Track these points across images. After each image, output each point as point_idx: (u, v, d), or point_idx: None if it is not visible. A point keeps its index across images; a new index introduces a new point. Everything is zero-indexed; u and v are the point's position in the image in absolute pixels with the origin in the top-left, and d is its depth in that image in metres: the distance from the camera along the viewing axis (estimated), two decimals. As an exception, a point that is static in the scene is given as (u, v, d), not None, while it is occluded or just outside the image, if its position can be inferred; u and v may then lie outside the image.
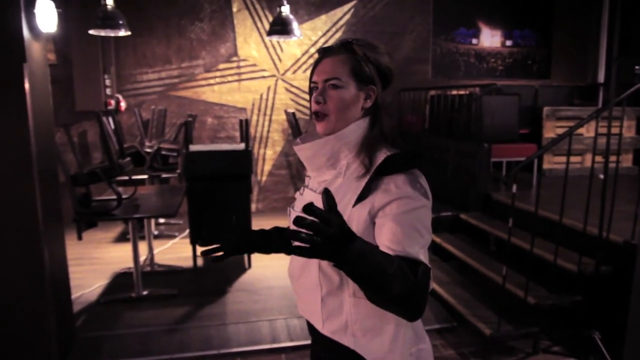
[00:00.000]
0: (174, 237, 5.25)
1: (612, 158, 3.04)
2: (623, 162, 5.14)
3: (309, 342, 3.02)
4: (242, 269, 4.30)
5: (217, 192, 4.06)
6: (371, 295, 0.97)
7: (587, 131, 5.16)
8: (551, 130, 5.35)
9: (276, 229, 1.37)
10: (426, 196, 1.08)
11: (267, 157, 6.53)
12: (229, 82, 6.22)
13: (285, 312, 3.42)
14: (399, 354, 1.13)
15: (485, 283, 3.38)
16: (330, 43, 5.83)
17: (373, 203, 1.06)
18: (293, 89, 6.47)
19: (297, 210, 1.22)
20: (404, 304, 0.95)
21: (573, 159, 4.55)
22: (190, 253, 4.28)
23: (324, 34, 6.45)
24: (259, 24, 6.20)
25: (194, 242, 4.17)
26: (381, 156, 1.09)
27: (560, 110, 5.39)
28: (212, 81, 6.17)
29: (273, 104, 6.44)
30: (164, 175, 5.33)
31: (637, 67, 5.87)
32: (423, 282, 0.97)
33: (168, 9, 5.92)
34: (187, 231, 5.31)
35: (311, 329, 1.26)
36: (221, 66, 6.17)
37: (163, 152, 5.04)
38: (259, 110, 6.40)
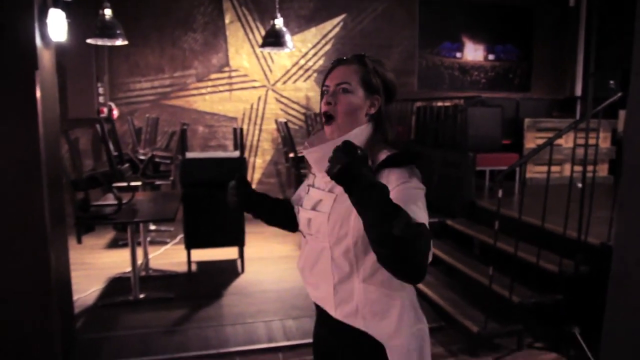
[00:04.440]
0: (165, 243, 5.32)
1: (590, 168, 3.24)
2: (599, 172, 5.38)
3: (304, 341, 3.17)
4: (235, 273, 4.41)
5: (212, 199, 4.16)
6: (373, 231, 1.00)
7: (566, 142, 5.38)
8: (532, 141, 5.57)
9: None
10: (422, 184, 1.20)
11: (257, 166, 6.65)
12: (220, 91, 6.35)
13: (281, 313, 3.53)
14: (405, 333, 1.26)
15: (471, 285, 3.55)
16: (319, 55, 6.03)
17: None
18: (283, 99, 6.62)
19: (306, 208, 1.34)
20: (402, 250, 0.96)
21: (552, 168, 4.75)
22: (183, 258, 4.36)
23: (314, 46, 6.63)
24: (251, 36, 6.36)
25: (188, 247, 4.26)
26: (383, 155, 1.23)
27: (541, 122, 5.62)
28: (203, 91, 6.29)
29: (263, 113, 6.58)
30: (157, 182, 5.41)
31: (611, 81, 6.16)
32: (425, 236, 0.99)
33: (163, 20, 6.05)
34: (179, 237, 5.40)
35: (322, 314, 1.36)
36: (213, 76, 6.30)
37: (156, 160, 5.13)
38: (250, 119, 6.54)
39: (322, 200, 1.30)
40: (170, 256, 4.88)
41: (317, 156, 1.30)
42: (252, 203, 1.51)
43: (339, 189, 1.24)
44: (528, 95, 7.27)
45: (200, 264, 4.61)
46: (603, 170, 5.63)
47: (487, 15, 7.33)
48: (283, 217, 1.51)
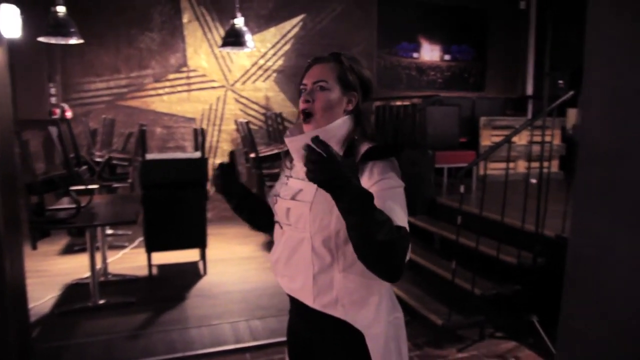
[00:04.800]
0: (124, 247, 5.19)
1: (544, 164, 3.38)
2: (551, 168, 5.60)
3: (272, 340, 3.16)
4: (198, 275, 4.35)
5: (174, 200, 4.10)
6: (357, 236, 1.07)
7: (519, 139, 5.58)
8: (487, 139, 5.75)
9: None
10: (402, 180, 1.24)
11: (216, 167, 6.56)
12: (178, 92, 6.24)
13: (246, 314, 3.51)
14: (383, 321, 1.29)
15: (435, 279, 3.63)
16: (279, 55, 6.03)
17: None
18: (242, 100, 6.57)
19: (285, 198, 1.34)
20: (384, 254, 1.04)
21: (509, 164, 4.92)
22: (143, 262, 4.28)
23: (273, 46, 6.61)
24: (209, 35, 6.28)
25: (149, 250, 4.17)
26: (364, 147, 1.25)
27: (495, 120, 5.80)
28: (161, 91, 6.17)
29: (222, 114, 6.51)
30: (115, 185, 5.27)
31: (560, 81, 6.43)
32: (405, 240, 1.08)
33: (117, 18, 5.89)
34: (138, 241, 5.28)
35: (298, 306, 1.35)
36: (171, 76, 6.19)
37: (114, 162, 5.00)
38: (209, 120, 6.46)
39: (302, 190, 1.30)
40: (130, 260, 4.77)
41: (299, 145, 1.29)
42: (236, 194, 1.49)
43: None
44: (483, 95, 7.49)
45: (161, 267, 4.53)
46: (554, 166, 5.86)
47: (443, 16, 7.50)
48: (264, 216, 1.50)
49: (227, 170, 1.47)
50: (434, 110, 5.24)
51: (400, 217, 1.13)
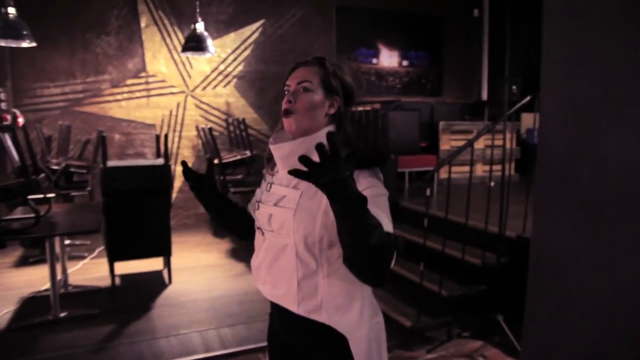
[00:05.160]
0: (83, 257, 5.03)
1: (500, 167, 3.51)
2: (510, 170, 5.81)
3: (242, 348, 3.14)
4: (162, 284, 4.26)
5: (137, 208, 4.01)
6: (350, 242, 1.08)
7: (477, 143, 5.75)
8: (447, 143, 5.90)
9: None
10: (384, 189, 1.26)
11: (177, 174, 6.46)
12: (137, 97, 6.11)
13: (215, 322, 3.47)
14: (366, 325, 1.31)
15: (403, 283, 3.69)
16: (239, 60, 6.00)
17: None
18: (203, 105, 6.50)
19: (267, 204, 1.34)
20: (374, 258, 1.06)
21: (465, 168, 5.07)
22: (104, 272, 4.16)
23: (233, 51, 6.57)
24: (168, 40, 6.18)
25: (112, 260, 4.06)
26: None
27: (454, 125, 5.97)
28: (119, 97, 6.02)
29: (183, 120, 6.42)
30: (73, 194, 5.10)
31: (513, 87, 6.69)
32: (393, 245, 1.10)
33: (72, 21, 5.71)
34: (98, 250, 5.13)
35: (281, 313, 1.35)
36: (129, 82, 6.05)
37: (71, 170, 4.85)
38: (169, 126, 6.35)
39: (286, 196, 1.31)
40: (90, 271, 4.62)
41: (284, 152, 1.32)
42: (213, 201, 1.51)
43: (304, 185, 1.26)
44: (440, 100, 7.68)
45: (124, 277, 4.41)
46: (510, 168, 6.08)
47: (401, 23, 7.66)
48: (241, 219, 1.50)
49: (189, 170, 1.46)
50: (395, 116, 5.35)
51: (387, 224, 1.15)
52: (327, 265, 1.27)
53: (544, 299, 2.40)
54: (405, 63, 7.76)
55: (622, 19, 1.83)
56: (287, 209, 1.28)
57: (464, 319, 3.34)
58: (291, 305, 1.30)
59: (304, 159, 1.00)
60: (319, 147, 1.00)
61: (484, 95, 7.94)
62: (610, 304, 1.98)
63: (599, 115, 1.97)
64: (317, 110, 1.31)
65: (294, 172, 1.03)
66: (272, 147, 1.35)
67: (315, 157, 1.30)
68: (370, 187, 1.21)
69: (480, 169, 5.76)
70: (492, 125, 3.41)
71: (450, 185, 3.32)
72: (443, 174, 5.80)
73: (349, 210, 1.05)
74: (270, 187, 1.38)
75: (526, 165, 4.84)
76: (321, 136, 1.28)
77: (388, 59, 7.65)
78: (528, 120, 6.06)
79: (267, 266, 1.34)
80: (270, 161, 1.43)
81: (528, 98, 3.30)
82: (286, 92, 1.34)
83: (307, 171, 1.02)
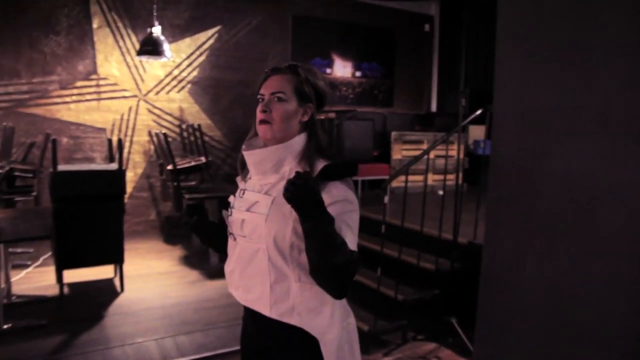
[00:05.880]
0: (26, 266, 4.81)
1: (451, 176, 3.67)
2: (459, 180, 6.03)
3: (200, 355, 3.12)
4: (114, 293, 4.14)
5: (89, 214, 3.89)
6: (317, 260, 1.18)
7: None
8: (399, 152, 6.06)
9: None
10: (356, 200, 1.33)
11: (127, 180, 6.29)
12: (87, 100, 5.92)
13: (171, 330, 3.41)
14: (337, 327, 1.35)
15: (361, 289, 3.76)
16: (194, 66, 5.95)
17: None
18: (156, 110, 6.38)
19: (240, 210, 1.37)
20: (338, 275, 1.17)
21: (416, 177, 5.23)
22: (51, 281, 4.01)
23: (188, 57, 6.50)
24: (121, 42, 6.04)
25: (60, 268, 3.91)
26: (320, 164, 1.31)
27: (406, 135, 6.14)
28: (68, 99, 5.82)
29: (134, 124, 6.28)
30: (17, 199, 4.89)
31: (463, 100, 6.96)
32: (355, 263, 1.19)
33: (17, 18, 5.47)
34: (43, 258, 4.93)
35: (253, 316, 1.38)
36: (79, 84, 5.86)
37: (16, 174, 4.64)
38: (120, 130, 6.19)
39: (258, 202, 1.34)
40: (35, 280, 4.43)
41: (258, 159, 1.36)
42: (206, 232, 1.54)
43: (276, 191, 1.32)
44: (391, 110, 7.88)
45: (73, 285, 4.26)
46: (460, 178, 6.31)
47: (354, 35, 7.82)
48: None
49: (198, 212, 1.51)
50: (350, 125, 5.46)
51: (353, 242, 1.24)
52: (298, 270, 1.30)
53: (495, 302, 2.52)
54: (358, 74, 7.92)
55: (572, 36, 1.97)
56: (259, 214, 1.32)
57: (418, 323, 3.45)
58: (263, 308, 1.33)
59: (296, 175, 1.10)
60: (297, 174, 1.10)
61: (434, 107, 8.22)
62: (556, 306, 2.12)
63: (549, 127, 2.11)
64: (291, 120, 1.35)
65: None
66: (246, 154, 1.38)
67: (287, 163, 1.36)
68: (341, 201, 1.27)
69: (429, 179, 5.95)
70: (447, 135, 3.56)
71: (406, 193, 3.42)
72: (395, 182, 5.97)
73: (316, 231, 1.14)
74: (244, 193, 1.41)
75: (474, 176, 5.06)
76: (294, 142, 1.34)
77: (342, 69, 7.79)
78: (474, 132, 6.33)
79: (240, 271, 1.37)
80: (244, 168, 1.46)
81: (480, 110, 3.47)
82: (260, 101, 1.37)
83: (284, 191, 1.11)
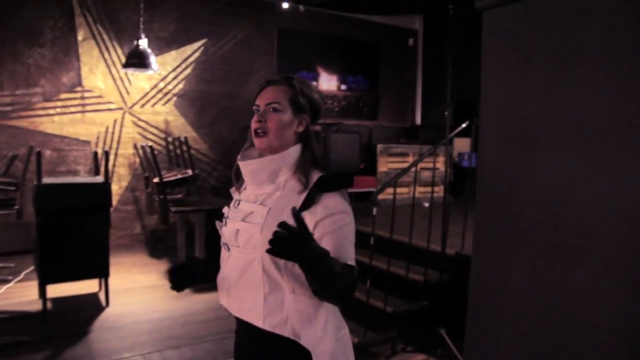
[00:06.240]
0: (7, 281, 4.71)
1: (437, 188, 3.72)
2: (441, 192, 6.09)
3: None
4: (99, 307, 4.08)
5: (74, 227, 3.85)
6: (319, 288, 1.23)
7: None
8: (384, 165, 6.11)
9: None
10: (351, 211, 1.35)
11: (112, 192, 6.23)
12: (71, 113, 5.86)
13: (158, 344, 3.37)
14: (330, 339, 1.35)
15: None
16: (179, 79, 5.95)
17: (315, 214, 1.28)
18: (141, 123, 6.35)
19: (235, 220, 1.38)
20: (341, 296, 1.24)
21: (403, 189, 5.27)
22: (33, 296, 3.95)
23: (174, 70, 6.50)
24: (107, 55, 6.01)
25: (43, 282, 3.84)
26: (315, 176, 1.33)
27: (391, 147, 6.20)
28: (52, 111, 5.75)
29: (120, 137, 6.23)
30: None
31: (446, 112, 7.05)
32: (356, 280, 1.24)
33: (1, 29, 5.40)
34: (24, 273, 4.83)
35: (246, 328, 1.37)
36: (63, 96, 5.80)
37: (-2, 187, 4.57)
38: (105, 143, 6.13)
39: (253, 212, 1.34)
40: (16, 295, 4.34)
41: (253, 169, 1.37)
42: (196, 282, 1.55)
43: (271, 202, 1.33)
44: (377, 123, 7.94)
45: (56, 300, 4.18)
46: (447, 190, 6.37)
47: (340, 48, 7.89)
48: None
49: (179, 272, 1.47)
50: (337, 138, 5.50)
51: (352, 257, 1.27)
52: (293, 281, 1.31)
53: (483, 312, 2.55)
54: (343, 87, 7.98)
55: (557, 49, 2.03)
56: (254, 225, 1.32)
57: (408, 334, 3.46)
58: (257, 320, 1.33)
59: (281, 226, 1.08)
60: (282, 224, 1.09)
61: (418, 120, 8.31)
62: (544, 315, 2.15)
63: (534, 139, 2.16)
64: (286, 130, 1.36)
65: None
66: (241, 164, 1.40)
67: (282, 174, 1.37)
68: (338, 214, 1.28)
69: (416, 191, 5.99)
70: (434, 148, 3.60)
71: (394, 205, 3.45)
72: (380, 195, 6.00)
73: (313, 270, 1.17)
74: (239, 203, 1.41)
75: (458, 187, 5.11)
76: (289, 153, 1.36)
77: (327, 82, 7.85)
78: (459, 144, 6.41)
79: (233, 281, 1.37)
80: (239, 178, 1.47)
81: (466, 123, 3.53)
82: (255, 112, 1.38)
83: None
